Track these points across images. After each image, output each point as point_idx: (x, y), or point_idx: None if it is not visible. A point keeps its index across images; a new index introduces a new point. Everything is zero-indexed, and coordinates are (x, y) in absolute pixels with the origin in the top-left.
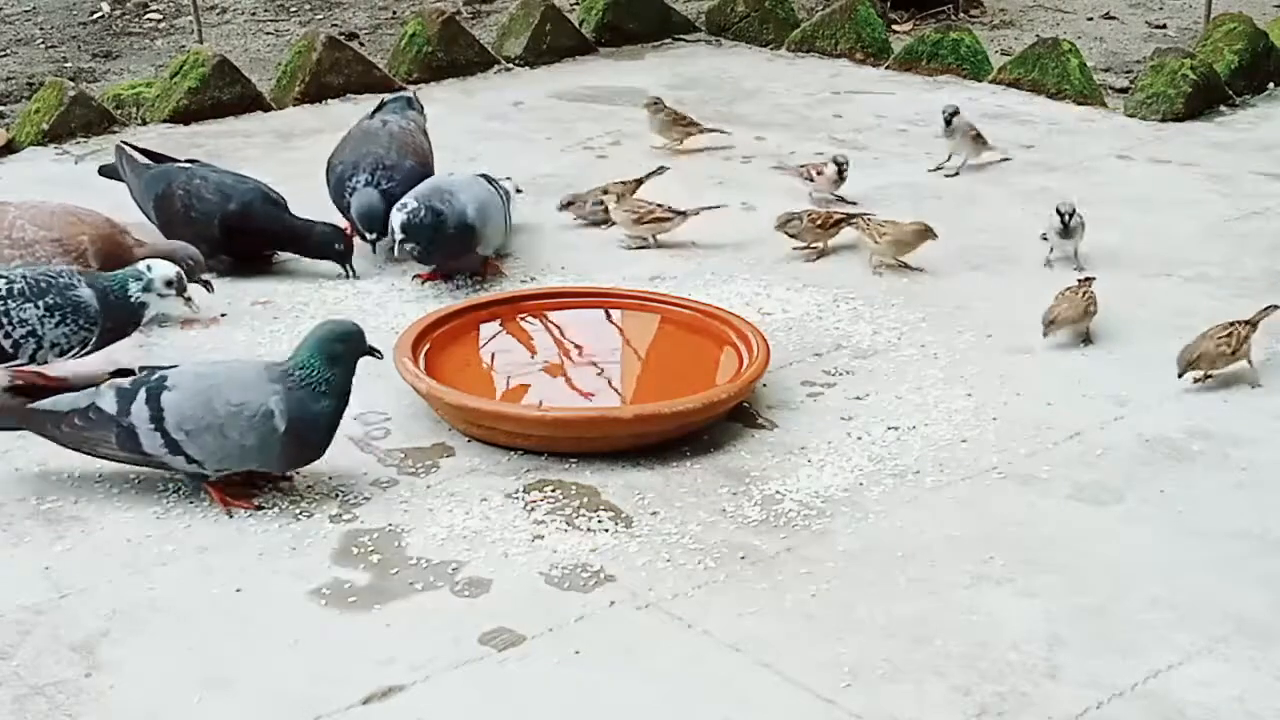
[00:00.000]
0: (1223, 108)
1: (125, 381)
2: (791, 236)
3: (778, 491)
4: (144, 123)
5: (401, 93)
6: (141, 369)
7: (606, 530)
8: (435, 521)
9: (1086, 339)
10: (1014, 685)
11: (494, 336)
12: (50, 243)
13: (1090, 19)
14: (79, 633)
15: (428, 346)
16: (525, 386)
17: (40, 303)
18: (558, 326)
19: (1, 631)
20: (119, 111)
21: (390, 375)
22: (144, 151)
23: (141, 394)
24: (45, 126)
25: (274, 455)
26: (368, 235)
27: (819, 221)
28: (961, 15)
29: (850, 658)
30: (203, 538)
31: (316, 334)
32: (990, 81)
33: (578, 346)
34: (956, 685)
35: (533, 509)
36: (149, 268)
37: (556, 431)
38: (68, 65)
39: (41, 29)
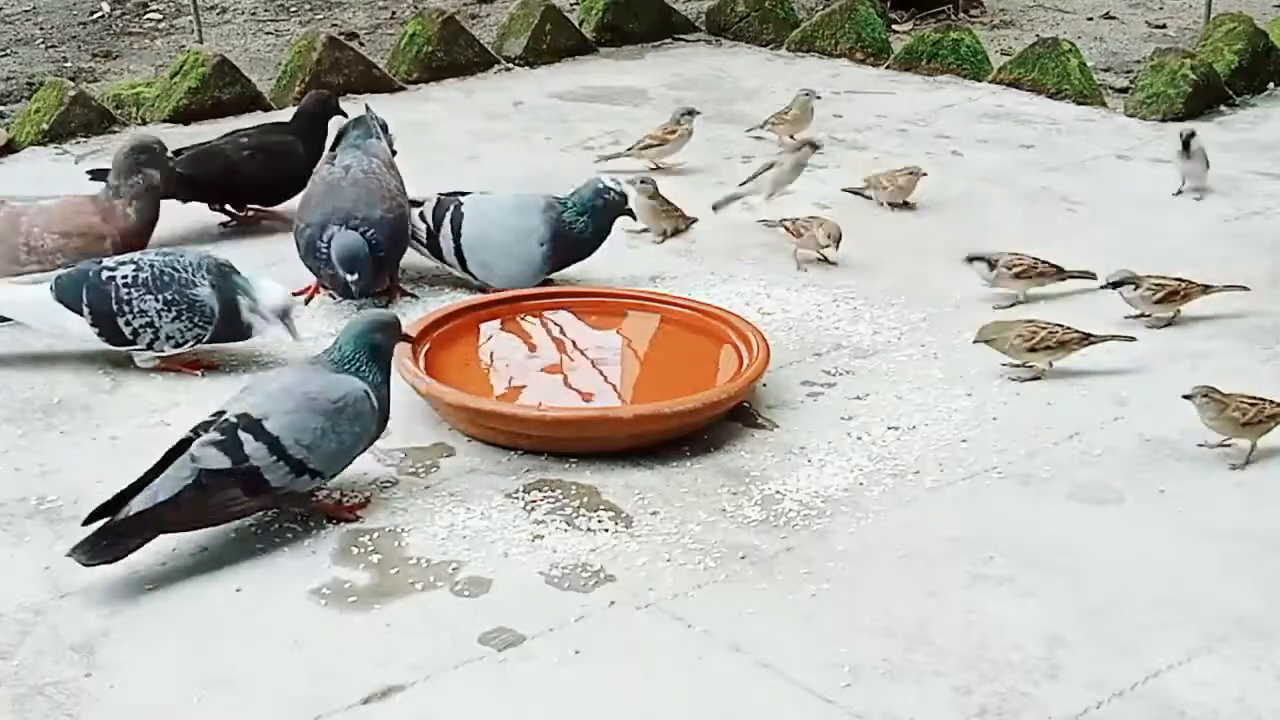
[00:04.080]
0: (1223, 108)
1: (212, 435)
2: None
3: (778, 491)
4: (144, 122)
5: (361, 117)
6: (216, 414)
7: (606, 530)
8: (435, 521)
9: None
10: (1014, 685)
11: (494, 336)
12: (73, 250)
13: (1090, 19)
14: (79, 633)
15: (428, 346)
16: (525, 386)
17: (160, 297)
18: (558, 326)
19: (1, 631)
20: (119, 111)
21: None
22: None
23: (244, 434)
24: (45, 126)
25: (371, 436)
26: (349, 276)
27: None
28: (961, 15)
29: (850, 658)
30: (203, 538)
31: (356, 327)
32: (990, 81)
33: (578, 346)
34: (956, 685)
35: (533, 509)
36: (261, 291)
37: (556, 431)
38: (68, 65)
39: (41, 29)
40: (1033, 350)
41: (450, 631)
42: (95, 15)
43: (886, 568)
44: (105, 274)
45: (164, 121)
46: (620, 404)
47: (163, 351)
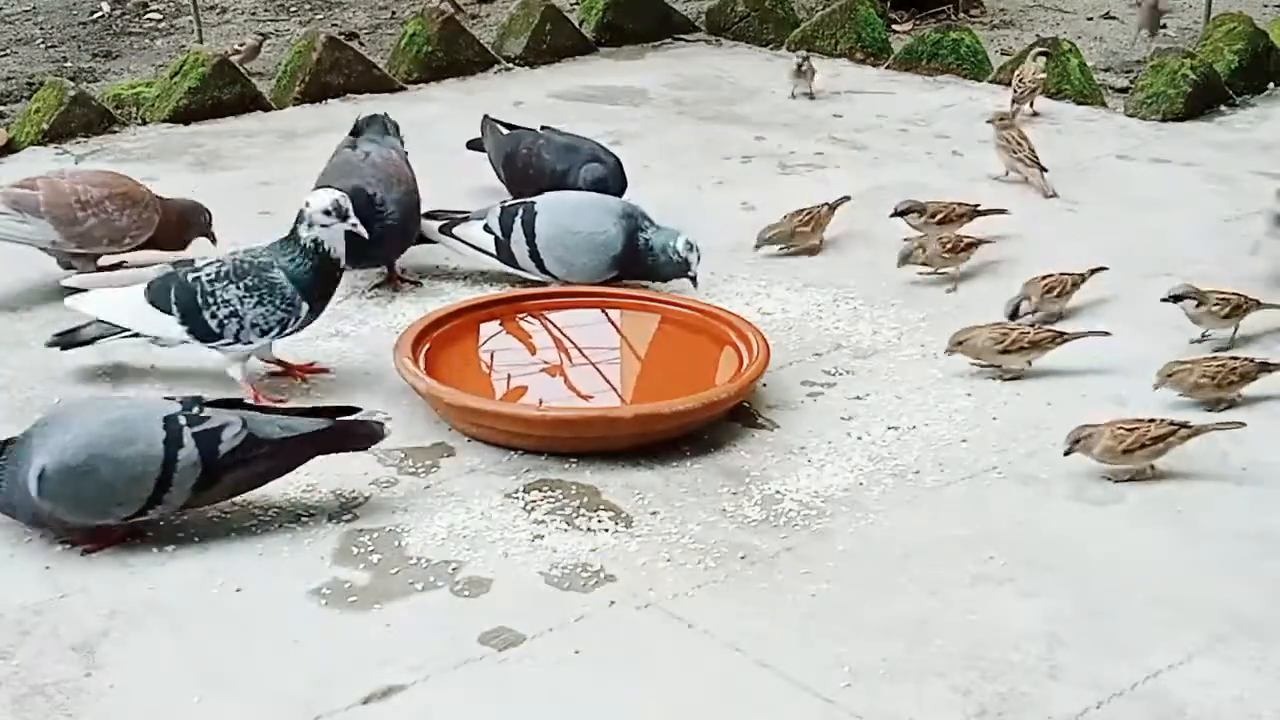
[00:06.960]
0: (1223, 108)
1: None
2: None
3: (778, 491)
4: (144, 122)
5: (377, 115)
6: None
7: (606, 530)
8: (435, 521)
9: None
10: (1014, 685)
11: (494, 336)
12: (119, 197)
13: (1090, 19)
14: (79, 633)
15: (428, 346)
16: (525, 386)
17: (240, 284)
18: (558, 326)
19: (1, 631)
20: (119, 111)
21: (390, 375)
22: (505, 124)
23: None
24: (45, 126)
25: None
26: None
27: (948, 245)
28: (961, 15)
29: (850, 658)
30: (203, 538)
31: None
32: (990, 81)
33: (578, 346)
34: (956, 685)
35: (533, 509)
36: (306, 203)
37: (556, 431)
38: (68, 65)
39: (41, 29)
40: (1005, 352)
41: (450, 631)
42: (95, 15)
43: (886, 568)
44: (191, 274)
45: (164, 121)
46: (620, 404)
47: (249, 342)
